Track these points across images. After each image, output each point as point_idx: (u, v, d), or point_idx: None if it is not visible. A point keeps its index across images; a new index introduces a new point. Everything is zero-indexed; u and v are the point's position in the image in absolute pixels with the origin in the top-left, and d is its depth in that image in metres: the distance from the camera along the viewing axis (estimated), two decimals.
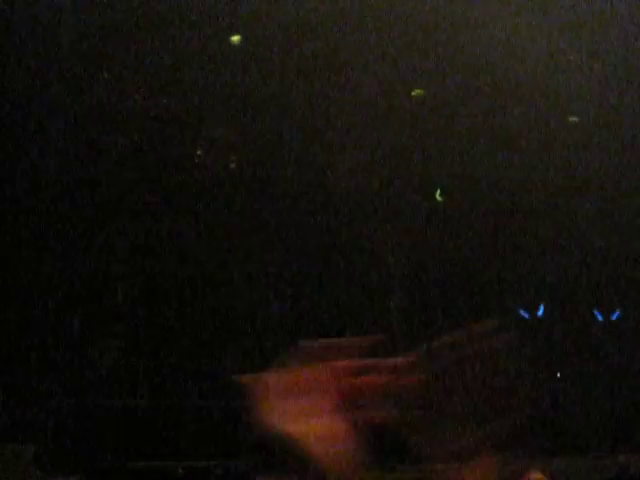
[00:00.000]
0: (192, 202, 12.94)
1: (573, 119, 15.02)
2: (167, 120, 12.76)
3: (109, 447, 9.74)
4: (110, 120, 12.49)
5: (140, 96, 12.99)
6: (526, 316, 15.30)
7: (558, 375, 14.89)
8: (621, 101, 14.48)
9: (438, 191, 14.60)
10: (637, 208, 14.67)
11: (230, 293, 13.36)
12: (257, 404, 0.97)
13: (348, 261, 13.92)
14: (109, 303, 12.71)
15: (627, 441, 12.87)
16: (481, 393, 1.06)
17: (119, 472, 7.01)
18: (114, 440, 10.02)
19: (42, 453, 8.29)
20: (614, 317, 15.62)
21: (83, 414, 10.55)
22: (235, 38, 13.17)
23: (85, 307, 12.28)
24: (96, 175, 12.45)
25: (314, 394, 0.97)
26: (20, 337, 11.53)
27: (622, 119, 14.54)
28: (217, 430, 10.55)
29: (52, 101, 12.24)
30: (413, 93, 14.46)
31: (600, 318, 15.52)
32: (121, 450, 9.40)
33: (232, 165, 13.88)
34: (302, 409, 0.97)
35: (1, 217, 12.10)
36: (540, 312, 15.26)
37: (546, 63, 14.30)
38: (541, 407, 13.40)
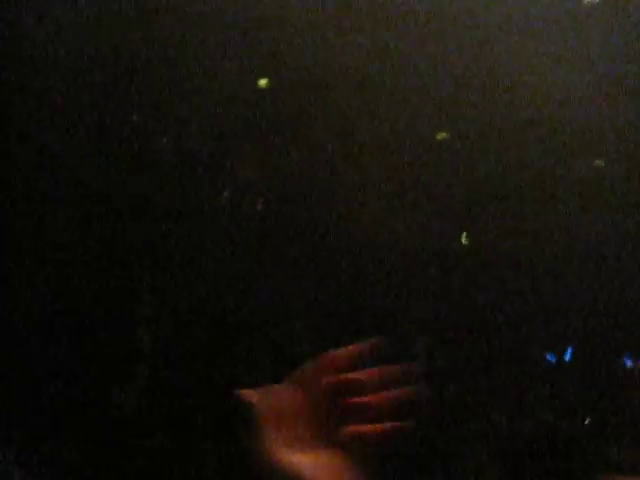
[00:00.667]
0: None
1: None
2: None
3: None
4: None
5: None
6: (553, 360, 14.44)
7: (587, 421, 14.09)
8: None
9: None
10: None
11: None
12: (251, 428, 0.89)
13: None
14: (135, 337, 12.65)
15: None
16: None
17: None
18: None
19: None
20: None
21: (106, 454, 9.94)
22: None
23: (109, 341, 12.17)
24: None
25: (313, 414, 0.87)
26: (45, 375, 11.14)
27: None
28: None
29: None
30: None
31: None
32: None
33: None
34: (301, 434, 0.86)
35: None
36: (568, 356, 14.28)
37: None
38: None
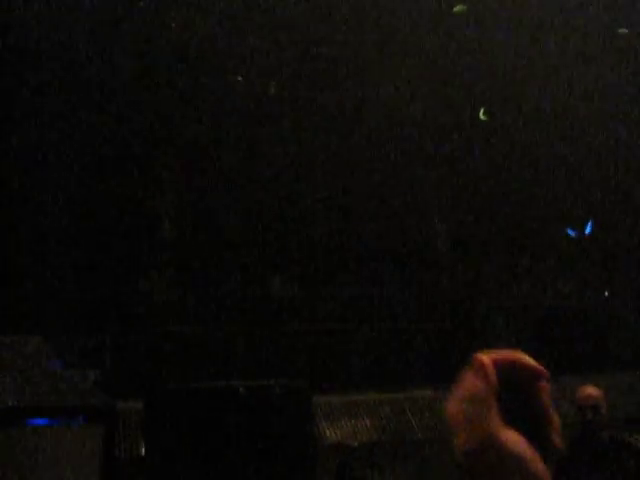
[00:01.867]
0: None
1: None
2: None
3: (170, 372, 10.10)
4: None
5: None
6: (573, 235, 14.53)
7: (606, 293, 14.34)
8: None
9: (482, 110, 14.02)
10: None
11: (280, 214, 13.13)
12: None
13: None
14: (162, 226, 12.67)
15: None
16: None
17: (181, 393, 7.21)
18: (174, 364, 10.44)
19: (105, 378, 8.71)
20: None
21: (142, 341, 11.10)
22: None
23: (138, 234, 12.27)
24: None
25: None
26: (77, 267, 11.74)
27: None
28: (274, 352, 11.10)
29: None
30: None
31: None
32: (182, 374, 9.78)
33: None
34: None
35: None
36: (588, 230, 14.35)
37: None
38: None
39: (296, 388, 7.44)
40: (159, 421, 6.80)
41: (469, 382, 0.83)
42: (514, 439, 0.81)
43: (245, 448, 6.73)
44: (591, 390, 6.04)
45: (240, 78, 13.51)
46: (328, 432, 8.97)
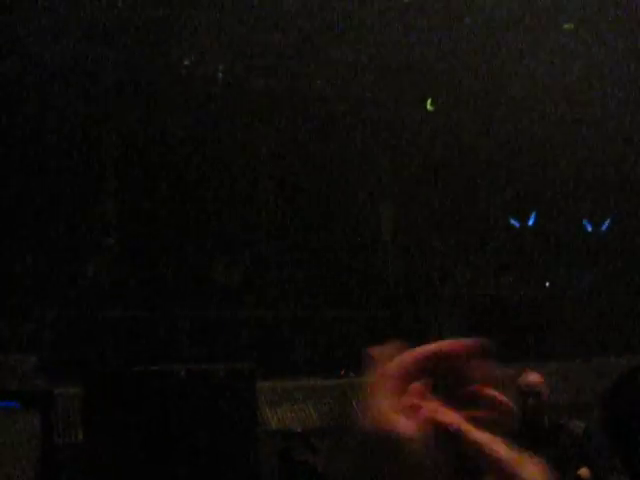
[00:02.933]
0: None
1: None
2: None
3: (110, 356, 10.10)
4: None
5: None
6: (517, 225, 14.71)
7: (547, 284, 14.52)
8: None
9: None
10: None
11: (225, 198, 13.03)
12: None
13: None
14: (104, 210, 12.40)
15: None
16: None
17: (121, 378, 7.05)
18: (114, 349, 10.35)
19: (43, 363, 8.50)
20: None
21: (82, 325, 10.85)
22: None
23: (80, 215, 11.97)
24: None
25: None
26: (17, 251, 11.58)
27: None
28: (218, 335, 10.90)
29: None
30: None
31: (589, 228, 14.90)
32: (122, 358, 9.82)
33: None
34: None
35: None
36: (531, 221, 14.53)
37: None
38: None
39: (240, 371, 7.35)
40: (97, 406, 6.66)
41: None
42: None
43: (187, 433, 6.64)
44: (533, 377, 6.11)
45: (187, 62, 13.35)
46: (272, 418, 8.93)
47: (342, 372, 10.30)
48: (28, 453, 7.05)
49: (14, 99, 11.91)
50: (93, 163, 12.77)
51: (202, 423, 6.77)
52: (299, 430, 8.51)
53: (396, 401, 0.76)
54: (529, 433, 5.97)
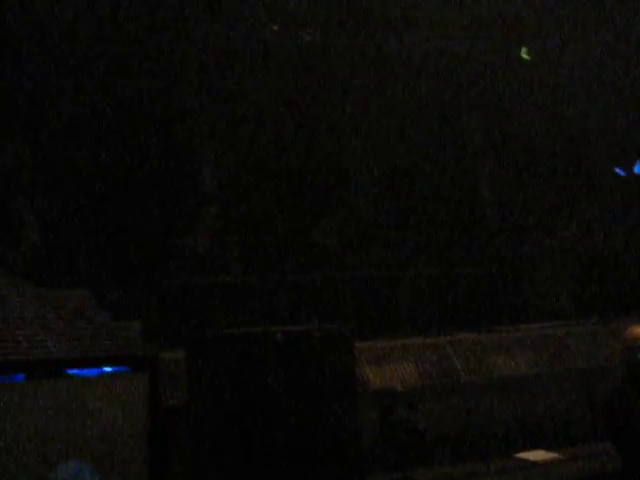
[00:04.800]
0: None
1: None
2: None
3: (210, 321, 10.28)
4: None
5: None
6: (623, 174, 14.22)
7: None
8: None
9: None
10: None
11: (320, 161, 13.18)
12: None
13: None
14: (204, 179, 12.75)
15: None
16: None
17: (218, 341, 7.07)
18: (214, 314, 10.63)
19: (150, 328, 8.84)
20: None
21: (183, 292, 11.21)
22: None
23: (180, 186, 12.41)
24: None
25: None
26: (120, 221, 11.90)
27: None
28: (314, 298, 11.07)
29: None
30: None
31: None
32: (221, 322, 9.89)
33: None
34: None
35: None
36: (638, 169, 14.00)
37: None
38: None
39: (337, 333, 7.36)
40: (199, 369, 6.85)
41: None
42: None
43: (285, 396, 6.74)
44: (639, 330, 5.93)
45: None
46: (372, 377, 8.98)
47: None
48: (138, 415, 7.33)
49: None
50: (191, 135, 13.03)
51: (301, 385, 6.86)
52: (400, 389, 8.52)
53: None
54: (636, 389, 5.81)
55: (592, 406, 9.65)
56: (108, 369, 7.55)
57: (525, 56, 14.07)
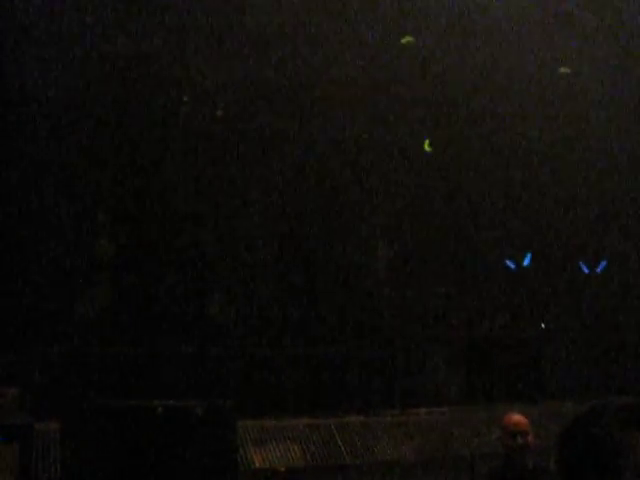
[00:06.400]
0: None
1: None
2: None
3: (91, 391, 9.95)
4: None
5: None
6: (512, 267, 14.65)
7: (542, 325, 14.48)
8: None
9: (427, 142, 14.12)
10: None
11: (219, 236, 12.98)
12: None
13: None
14: (97, 247, 12.42)
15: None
16: None
17: (97, 412, 6.88)
18: (96, 384, 10.22)
19: (26, 396, 8.68)
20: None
21: (67, 360, 10.89)
22: None
23: (73, 251, 11.97)
24: None
25: None
26: (7, 284, 11.57)
27: None
28: (199, 372, 10.79)
29: None
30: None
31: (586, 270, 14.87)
32: (102, 393, 9.62)
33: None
34: None
35: None
36: (527, 262, 14.48)
37: None
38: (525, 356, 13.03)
39: (221, 410, 7.26)
40: (75, 440, 6.58)
41: None
42: None
43: (164, 472, 6.56)
44: (518, 417, 6.06)
45: None
46: (256, 457, 8.84)
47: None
48: None
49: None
50: (87, 201, 12.83)
51: (179, 460, 6.70)
52: (282, 469, 8.41)
53: None
54: (512, 474, 5.90)
55: None
56: None
57: (428, 148, 14.51)
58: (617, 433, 1.96)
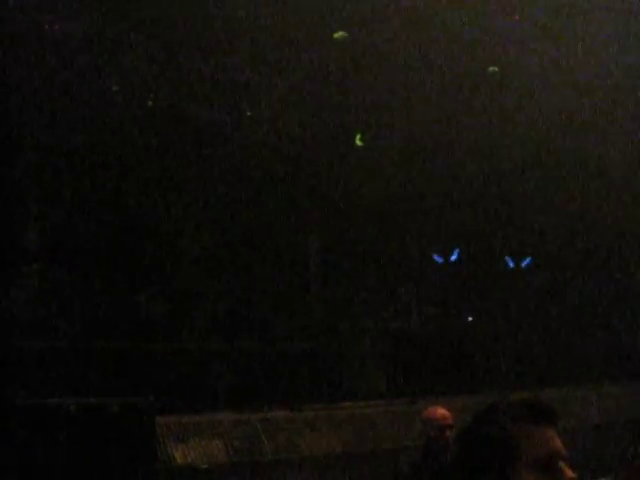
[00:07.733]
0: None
1: None
2: None
3: (13, 388, 9.56)
4: None
5: None
6: (440, 261, 14.82)
7: (469, 319, 14.72)
8: None
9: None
10: None
11: (152, 229, 12.82)
12: None
13: None
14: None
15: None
16: None
17: (8, 411, 6.66)
18: (19, 380, 9.91)
19: None
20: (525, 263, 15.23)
21: None
22: None
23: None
24: None
25: None
26: None
27: None
28: (116, 368, 10.45)
29: None
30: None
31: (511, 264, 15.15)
32: (24, 390, 9.21)
33: None
34: None
35: None
36: (454, 257, 14.67)
37: None
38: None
39: (138, 406, 7.17)
40: None
41: None
42: None
43: (77, 470, 6.45)
44: (441, 411, 6.09)
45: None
46: (177, 453, 8.76)
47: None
48: None
49: None
50: (14, 192, 12.53)
51: (95, 459, 6.59)
52: (204, 466, 8.35)
53: None
54: (431, 468, 5.94)
55: None
56: None
57: (359, 142, 14.57)
58: (511, 428, 1.97)
